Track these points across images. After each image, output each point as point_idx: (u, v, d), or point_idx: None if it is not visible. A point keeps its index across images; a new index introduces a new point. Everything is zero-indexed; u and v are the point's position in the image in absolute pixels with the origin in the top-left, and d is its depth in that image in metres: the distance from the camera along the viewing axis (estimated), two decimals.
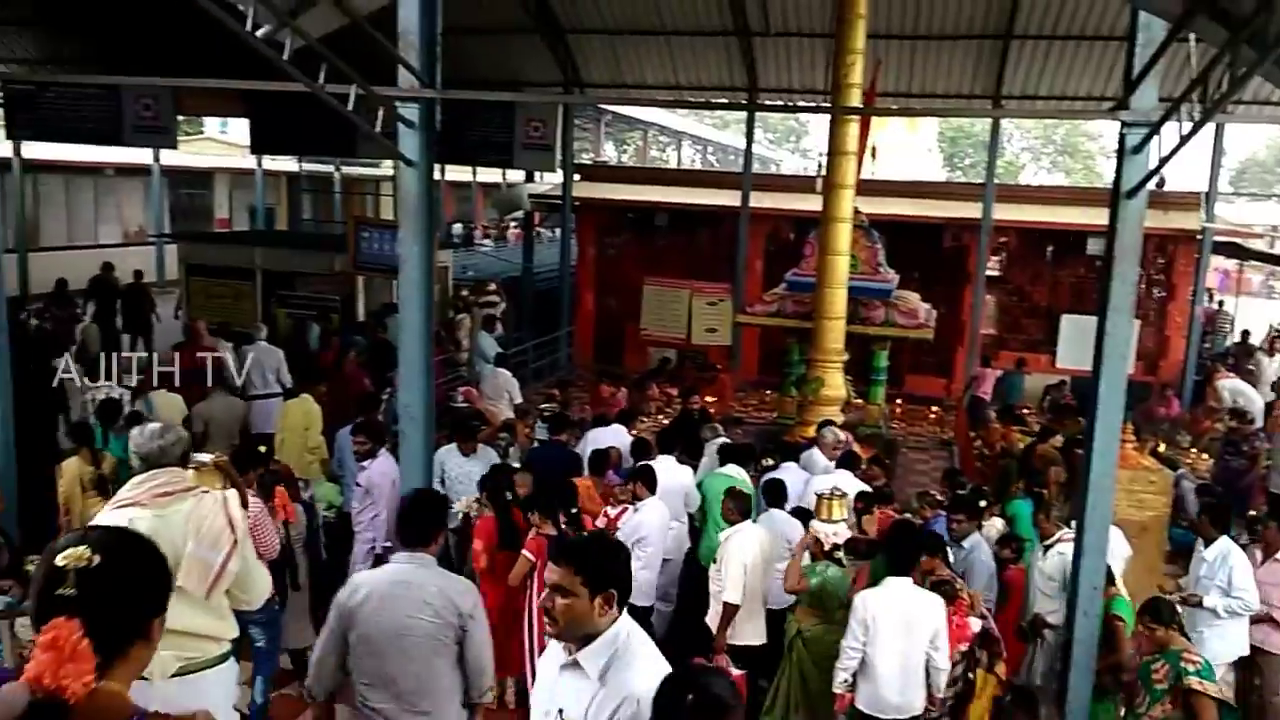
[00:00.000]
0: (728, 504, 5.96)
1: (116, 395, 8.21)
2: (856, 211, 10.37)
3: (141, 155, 20.51)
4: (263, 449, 6.22)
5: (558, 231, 19.32)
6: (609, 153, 37.92)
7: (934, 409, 14.39)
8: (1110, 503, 5.14)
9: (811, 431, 9.62)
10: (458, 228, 30.02)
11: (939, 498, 7.19)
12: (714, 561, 5.81)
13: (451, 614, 3.53)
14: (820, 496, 5.87)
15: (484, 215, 33.56)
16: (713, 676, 2.19)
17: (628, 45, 15.53)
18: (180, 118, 16.53)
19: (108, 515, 3.29)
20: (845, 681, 4.92)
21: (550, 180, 19.48)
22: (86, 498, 6.61)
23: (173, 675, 3.17)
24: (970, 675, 5.22)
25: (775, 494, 6.46)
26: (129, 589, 1.66)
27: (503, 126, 14.29)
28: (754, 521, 6.08)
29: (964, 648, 5.17)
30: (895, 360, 12.66)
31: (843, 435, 8.01)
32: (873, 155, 11.33)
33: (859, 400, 11.22)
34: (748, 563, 5.61)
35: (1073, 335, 14.15)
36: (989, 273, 15.32)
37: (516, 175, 21.92)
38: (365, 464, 6.54)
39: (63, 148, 18.32)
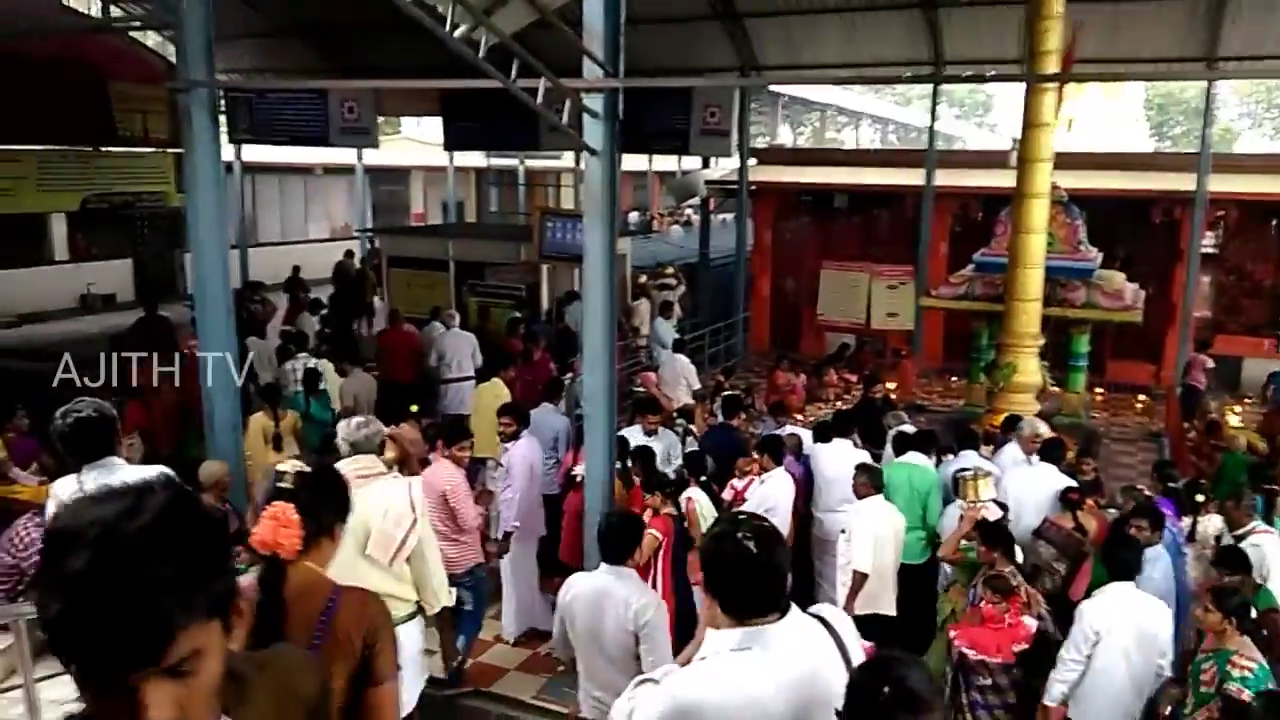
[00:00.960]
0: (859, 479, 6.11)
1: (312, 365, 9.44)
2: (1054, 186, 9.79)
3: (346, 155, 21.98)
4: None
5: (732, 217, 19.28)
6: (785, 136, 37.43)
7: (1140, 398, 13.42)
8: None
9: (999, 420, 9.22)
10: (634, 215, 30.48)
11: (1147, 493, 6.70)
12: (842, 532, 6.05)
13: (633, 623, 3.78)
14: (963, 478, 5.93)
15: (660, 203, 33.92)
16: (910, 668, 1.85)
17: (805, 25, 15.23)
18: (380, 119, 17.58)
19: None
20: (1062, 694, 4.58)
21: (725, 165, 19.42)
22: (267, 449, 7.70)
23: None
24: (1033, 681, 4.81)
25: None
26: (324, 496, 2.48)
27: (680, 114, 14.37)
28: (940, 513, 5.98)
29: (1020, 648, 4.84)
30: (1097, 345, 11.92)
31: (1042, 428, 7.50)
32: (1068, 126, 10.64)
33: (1055, 388, 10.62)
34: (878, 534, 5.81)
35: None
36: (1204, 250, 14.08)
37: (691, 162, 22.01)
38: (508, 445, 6.78)
39: (276, 150, 19.91)
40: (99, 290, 18.85)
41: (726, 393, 9.40)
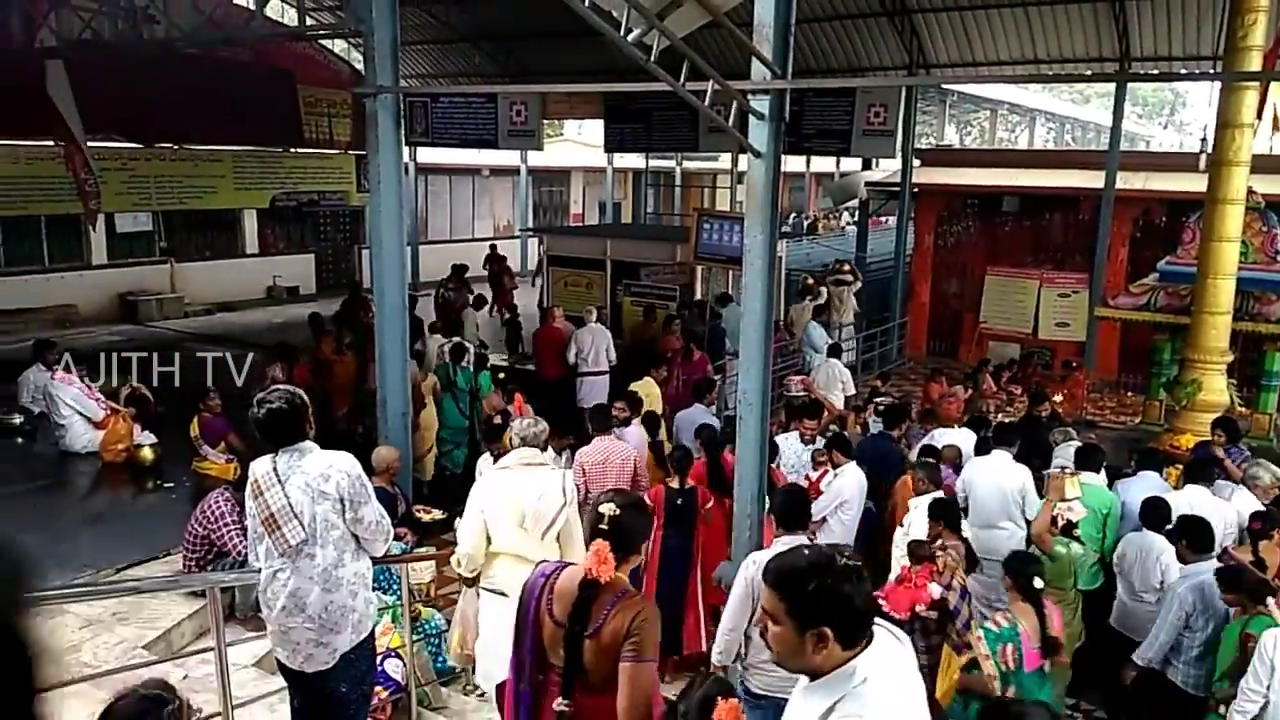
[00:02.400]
0: (917, 474, 6.15)
1: (462, 342, 10.57)
2: (1251, 192, 9.08)
3: (510, 157, 22.78)
4: None
5: (893, 219, 18.82)
6: (951, 135, 36.19)
7: None
8: None
9: (1184, 441, 8.62)
10: (792, 217, 30.20)
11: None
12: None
13: None
14: (1051, 476, 5.91)
15: (816, 204, 33.44)
16: (1032, 709, 1.90)
17: (979, 20, 14.72)
18: (544, 121, 18.11)
19: (491, 469, 4.81)
20: None
21: (886, 166, 18.97)
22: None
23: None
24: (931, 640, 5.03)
25: (1152, 515, 5.82)
26: (630, 529, 2.98)
27: (843, 113, 14.15)
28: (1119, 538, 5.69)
29: (920, 609, 4.93)
30: None
31: (1273, 472, 6.61)
32: (1275, 125, 9.84)
33: (1244, 408, 9.85)
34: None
35: None
36: None
37: (850, 163, 21.60)
38: (617, 431, 7.09)
39: (447, 152, 20.83)
40: (284, 283, 20.23)
41: (888, 401, 9.20)
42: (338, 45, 21.35)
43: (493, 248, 18.39)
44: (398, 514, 6.23)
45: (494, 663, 4.10)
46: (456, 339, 10.93)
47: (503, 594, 4.14)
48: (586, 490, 6.10)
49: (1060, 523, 5.52)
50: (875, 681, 2.07)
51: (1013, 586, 4.63)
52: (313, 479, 3.53)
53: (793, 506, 4.43)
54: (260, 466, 3.61)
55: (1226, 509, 6.11)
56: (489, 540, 4.28)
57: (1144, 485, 6.42)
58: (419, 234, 21.87)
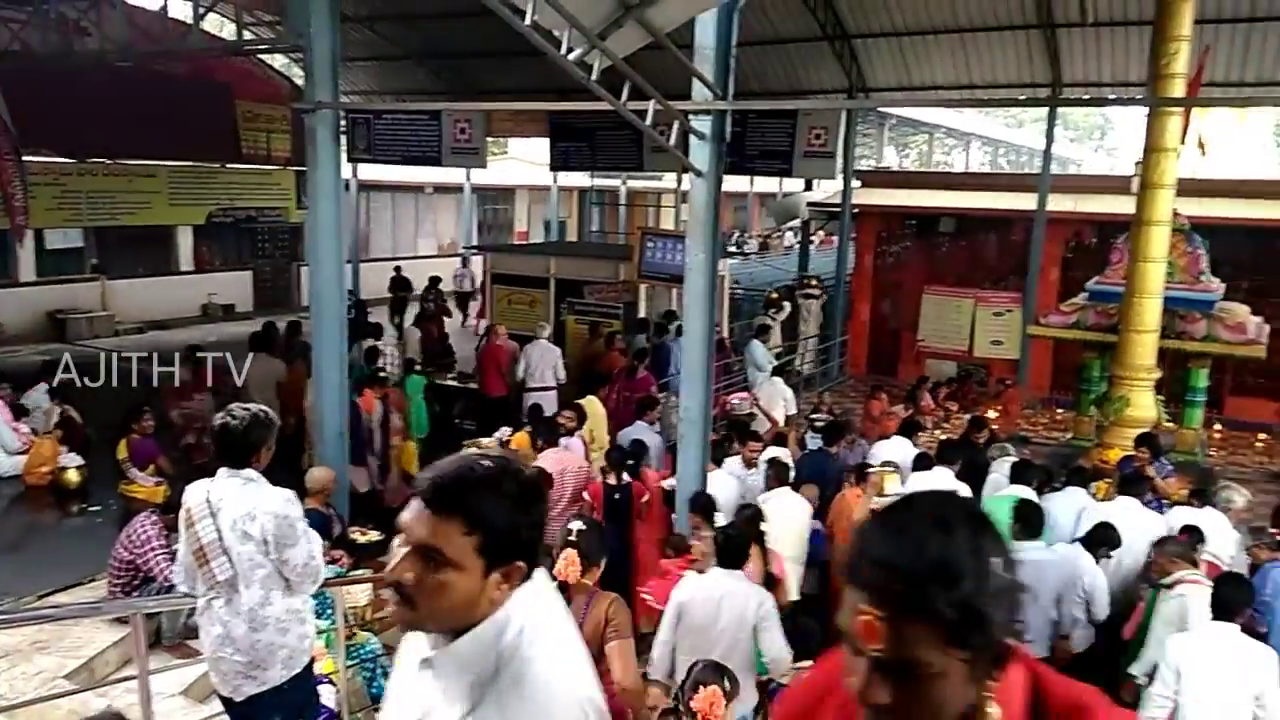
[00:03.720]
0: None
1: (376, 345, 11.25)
2: (1175, 214, 9.40)
3: (454, 175, 22.62)
4: None
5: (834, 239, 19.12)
6: (890, 157, 36.91)
7: (1261, 436, 12.71)
8: None
9: (1112, 456, 8.84)
10: (736, 236, 30.49)
11: (1278, 539, 6.31)
12: None
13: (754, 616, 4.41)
14: (870, 471, 6.44)
15: (759, 224, 33.82)
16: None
17: (917, 46, 15.04)
18: (489, 139, 18.05)
19: None
20: None
21: (828, 187, 19.27)
22: None
23: None
24: None
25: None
26: (595, 543, 3.60)
27: (785, 135, 14.33)
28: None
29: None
30: (1216, 380, 11.36)
31: (1241, 499, 6.64)
32: (1203, 149, 10.21)
33: (1170, 424, 10.16)
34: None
35: None
36: None
37: (793, 183, 21.89)
38: (564, 441, 7.41)
39: (390, 169, 20.65)
40: (220, 300, 19.81)
41: (826, 418, 9.29)
42: (277, 60, 21.04)
43: (435, 280, 18.29)
44: (332, 536, 6.11)
45: None
46: (371, 342, 11.16)
47: None
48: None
49: None
50: (536, 627, 1.56)
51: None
52: (239, 517, 3.43)
53: (729, 548, 4.53)
54: (194, 495, 3.51)
55: (1157, 521, 6.28)
56: None
57: (1068, 499, 6.57)
58: (360, 251, 21.60)
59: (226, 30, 16.94)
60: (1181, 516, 6.28)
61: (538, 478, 1.65)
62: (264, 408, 3.60)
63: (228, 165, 19.88)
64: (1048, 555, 5.54)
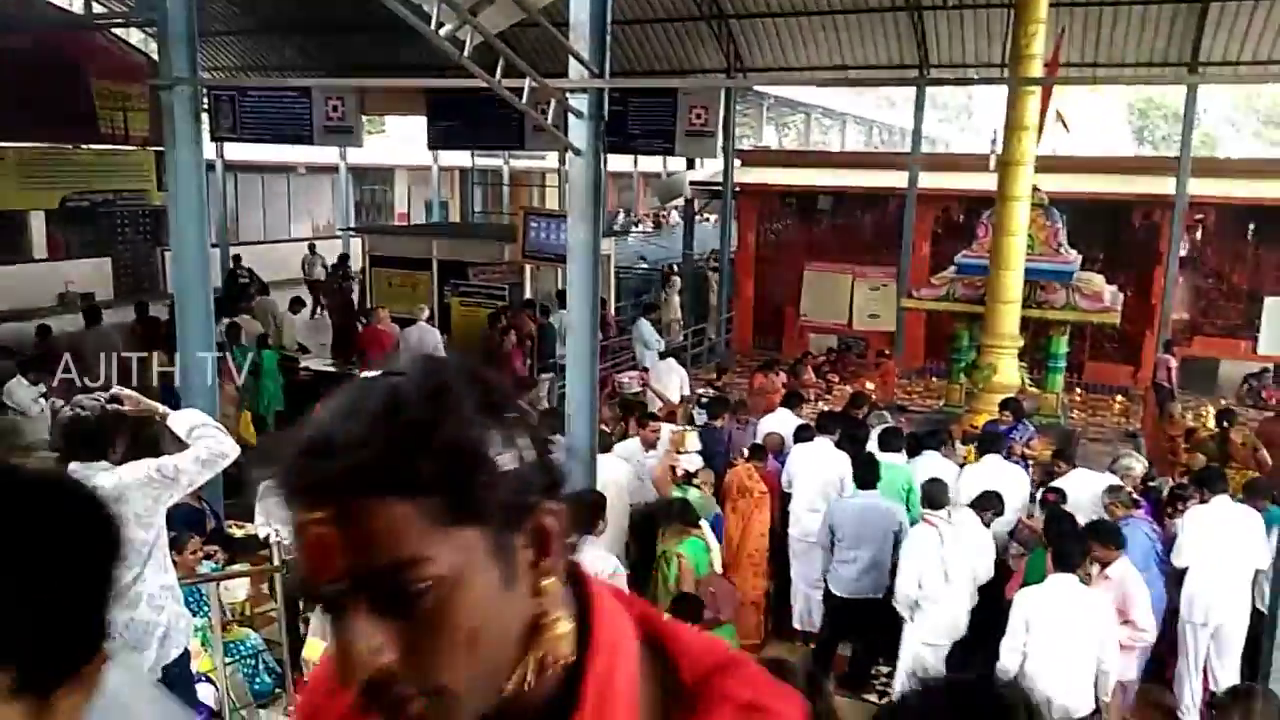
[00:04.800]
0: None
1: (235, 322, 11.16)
2: (1035, 189, 9.87)
3: (329, 154, 21.89)
4: None
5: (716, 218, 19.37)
6: (770, 137, 37.54)
7: (1118, 398, 13.54)
8: None
9: (980, 420, 9.26)
10: (621, 216, 30.52)
11: (1133, 495, 6.73)
12: None
13: None
14: (671, 431, 6.77)
15: (645, 203, 33.93)
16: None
17: (792, 27, 15.32)
18: (364, 118, 17.52)
19: None
20: None
21: (711, 166, 19.49)
22: None
23: None
24: None
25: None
26: None
27: (666, 114, 14.38)
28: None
29: None
30: (1075, 347, 12.01)
31: (1140, 467, 7.01)
32: (1065, 126, 10.73)
33: (1034, 389, 10.70)
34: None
35: (1278, 319, 13.00)
36: (1183, 253, 14.23)
37: (677, 163, 22.05)
38: None
39: (259, 148, 19.81)
40: (78, 288, 18.66)
41: (710, 393, 9.42)
42: (134, 35, 19.86)
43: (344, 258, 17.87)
44: (205, 531, 5.87)
45: None
46: (230, 320, 10.99)
47: None
48: None
49: (679, 472, 6.20)
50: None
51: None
52: (110, 504, 3.24)
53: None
54: None
55: (1020, 475, 6.64)
56: None
57: (928, 461, 6.90)
58: (230, 235, 20.70)
59: (75, 4, 15.93)
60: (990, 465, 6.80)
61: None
62: (115, 392, 3.40)
63: (82, 146, 18.69)
64: (875, 502, 6.15)
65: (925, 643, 5.61)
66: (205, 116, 19.18)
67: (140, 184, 19.94)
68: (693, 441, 6.59)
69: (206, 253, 7.12)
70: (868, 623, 6.22)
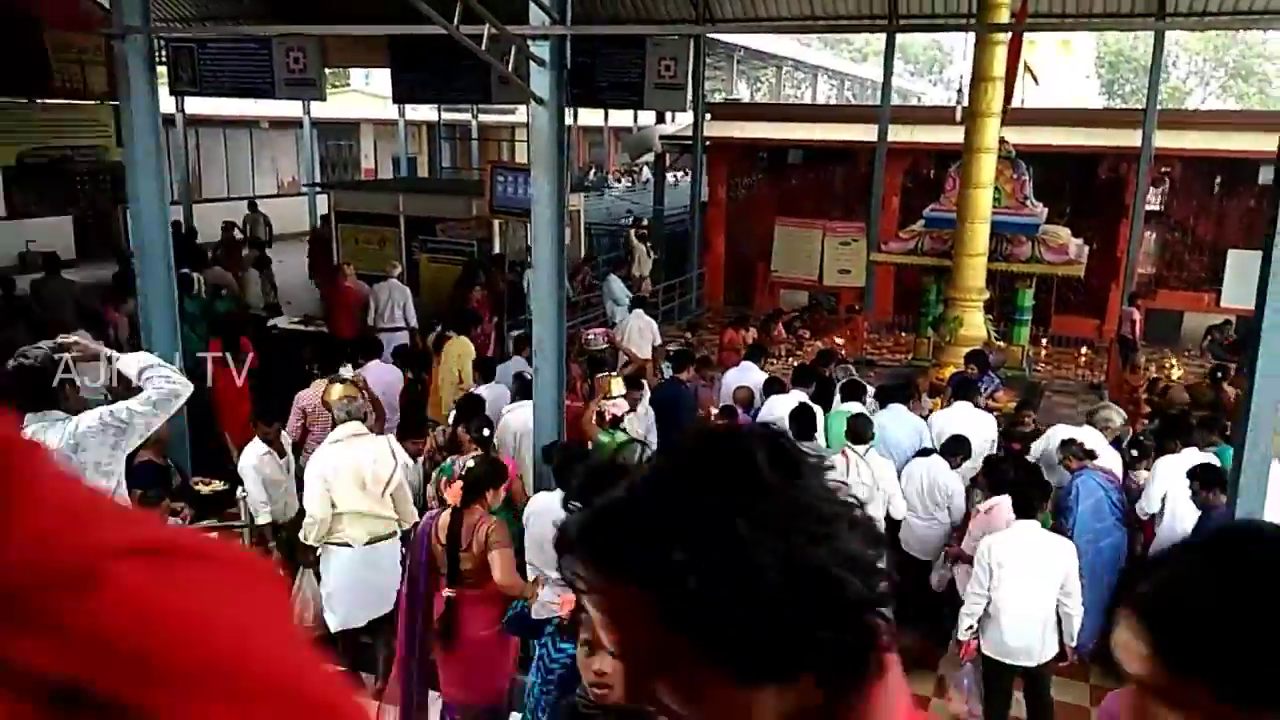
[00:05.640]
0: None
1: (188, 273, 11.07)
2: (1003, 141, 9.89)
3: (292, 108, 21.45)
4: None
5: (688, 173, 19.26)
6: (741, 91, 37.23)
7: (1084, 351, 13.70)
8: (1269, 446, 4.81)
9: (946, 374, 9.36)
10: (593, 172, 30.25)
11: (1087, 448, 6.84)
12: None
13: None
14: (599, 377, 6.85)
15: (616, 159, 33.65)
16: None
17: None
18: (328, 70, 17.17)
19: (327, 445, 5.35)
20: (970, 629, 4.82)
21: (682, 120, 19.32)
22: None
23: (365, 544, 5.28)
24: None
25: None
26: (481, 481, 4.59)
27: (634, 67, 14.24)
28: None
29: None
30: (1042, 300, 12.12)
31: (1121, 419, 7.19)
32: (1034, 78, 10.72)
33: (1000, 342, 10.81)
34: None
35: (1241, 272, 13.17)
36: (1148, 206, 14.34)
37: (647, 119, 21.86)
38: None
39: (221, 102, 19.38)
40: (39, 248, 18.28)
41: (671, 348, 9.45)
42: None
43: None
44: (171, 488, 5.83)
45: (349, 609, 5.28)
46: (183, 270, 10.66)
47: (348, 545, 5.22)
48: None
49: (607, 417, 6.36)
50: None
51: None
52: (65, 454, 3.21)
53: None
54: None
55: (988, 421, 6.75)
56: (333, 505, 5.13)
57: (892, 414, 6.99)
58: (192, 192, 20.32)
59: None
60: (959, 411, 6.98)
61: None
62: (60, 340, 3.35)
63: (38, 101, 18.19)
64: (883, 460, 6.08)
65: None
66: (164, 70, 18.79)
67: (98, 139, 19.46)
68: (618, 387, 6.66)
69: (166, 209, 6.97)
70: None
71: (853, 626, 0.75)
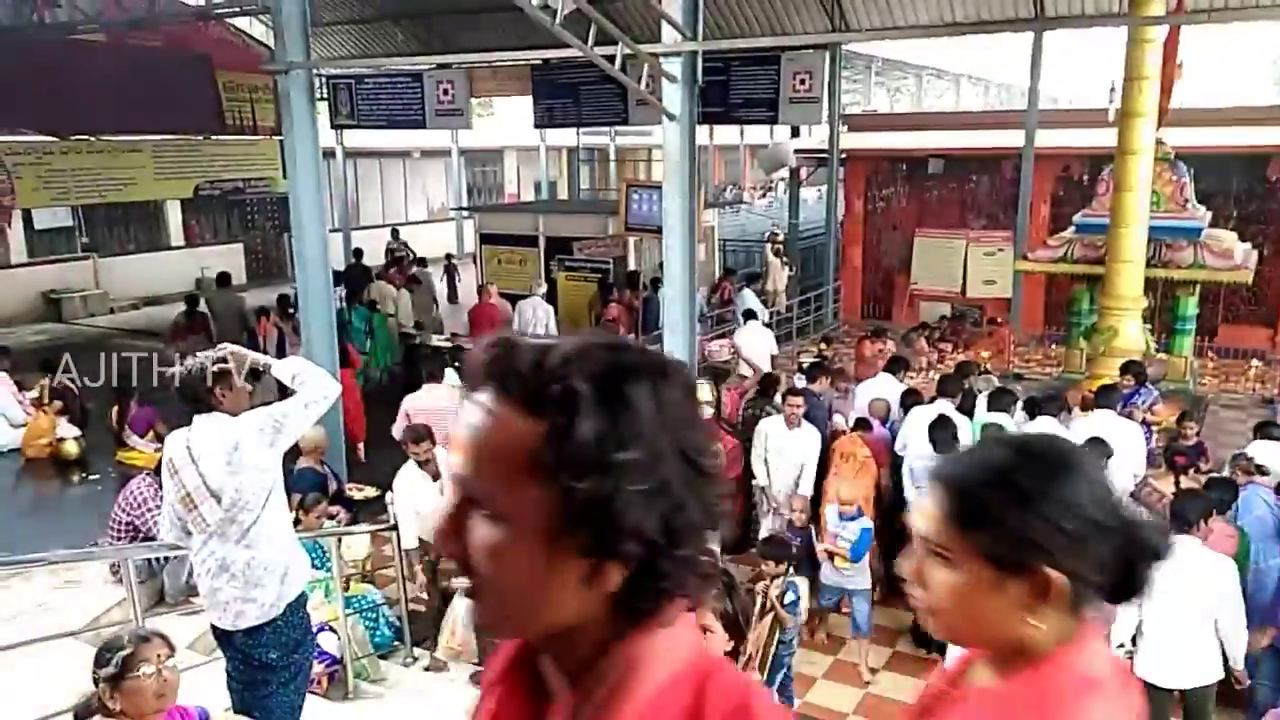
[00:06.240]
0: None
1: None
2: (1160, 143, 9.36)
3: (441, 138, 22.48)
4: None
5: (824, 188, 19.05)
6: (880, 102, 36.56)
7: (1254, 363, 12.76)
8: None
9: (1099, 386, 8.90)
10: (729, 189, 30.33)
11: (1259, 463, 6.39)
12: None
13: None
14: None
15: (751, 176, 33.60)
16: None
17: None
18: (474, 100, 17.92)
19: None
20: (1121, 646, 4.56)
21: (818, 134, 19.15)
22: None
23: None
24: None
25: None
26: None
27: (769, 82, 14.22)
28: None
29: None
30: (1207, 309, 11.39)
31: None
32: (1180, 72, 10.14)
33: (1161, 353, 10.21)
34: None
35: None
36: None
37: (782, 133, 21.74)
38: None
39: (377, 135, 20.50)
40: (213, 274, 19.79)
41: (803, 359, 9.37)
42: (257, 29, 20.79)
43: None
44: (329, 494, 6.20)
45: None
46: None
47: None
48: None
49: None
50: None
51: None
52: (225, 452, 3.49)
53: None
54: (174, 445, 3.58)
55: (1133, 431, 6.41)
56: None
57: (1039, 427, 6.66)
58: (351, 219, 21.54)
59: None
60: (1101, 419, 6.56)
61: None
62: (224, 347, 3.65)
63: (212, 137, 19.73)
64: None
65: None
66: (325, 105, 20.06)
67: (267, 172, 20.92)
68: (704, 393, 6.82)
69: (325, 235, 7.43)
70: None
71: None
